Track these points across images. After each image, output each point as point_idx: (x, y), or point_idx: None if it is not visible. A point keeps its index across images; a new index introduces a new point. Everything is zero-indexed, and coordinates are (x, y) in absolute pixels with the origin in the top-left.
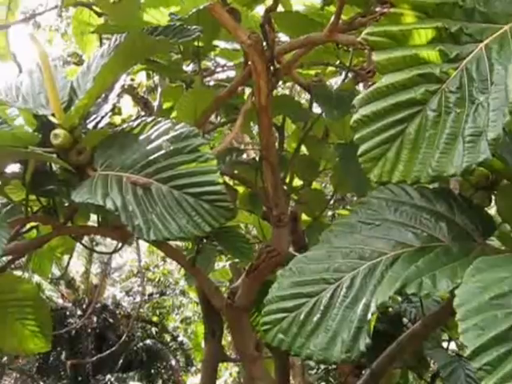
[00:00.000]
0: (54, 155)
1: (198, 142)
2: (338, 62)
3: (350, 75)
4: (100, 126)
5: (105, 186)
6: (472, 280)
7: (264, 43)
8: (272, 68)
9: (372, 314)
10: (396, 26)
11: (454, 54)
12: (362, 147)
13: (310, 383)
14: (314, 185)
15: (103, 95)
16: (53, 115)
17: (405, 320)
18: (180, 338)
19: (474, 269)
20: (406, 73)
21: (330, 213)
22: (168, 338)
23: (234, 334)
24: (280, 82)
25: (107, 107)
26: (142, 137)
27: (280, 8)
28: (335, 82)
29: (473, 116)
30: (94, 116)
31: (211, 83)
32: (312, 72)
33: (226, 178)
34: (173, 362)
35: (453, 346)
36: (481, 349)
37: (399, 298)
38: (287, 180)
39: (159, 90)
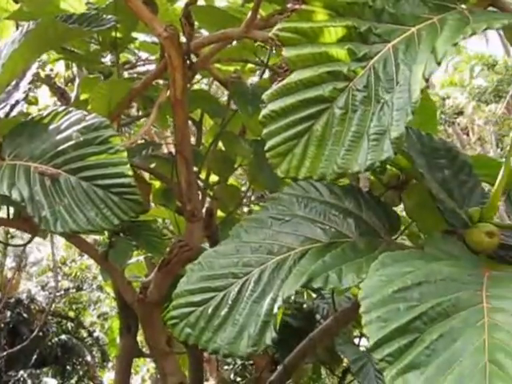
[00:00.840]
0: None
1: (108, 134)
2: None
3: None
4: (12, 114)
5: (12, 175)
6: (376, 274)
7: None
8: (188, 62)
9: (278, 308)
10: (306, 23)
11: (363, 53)
12: (270, 142)
13: (223, 378)
14: (233, 181)
15: (14, 83)
16: None
17: (319, 316)
18: (96, 334)
19: (379, 263)
20: (314, 70)
21: (246, 209)
22: (84, 333)
23: (146, 328)
24: (202, 78)
25: (18, 95)
26: (51, 126)
27: (202, 2)
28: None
29: (378, 115)
30: (4, 104)
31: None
32: (232, 68)
33: (146, 174)
34: (88, 358)
35: (364, 342)
36: (383, 340)
37: (313, 295)
38: (204, 175)
39: (77, 80)
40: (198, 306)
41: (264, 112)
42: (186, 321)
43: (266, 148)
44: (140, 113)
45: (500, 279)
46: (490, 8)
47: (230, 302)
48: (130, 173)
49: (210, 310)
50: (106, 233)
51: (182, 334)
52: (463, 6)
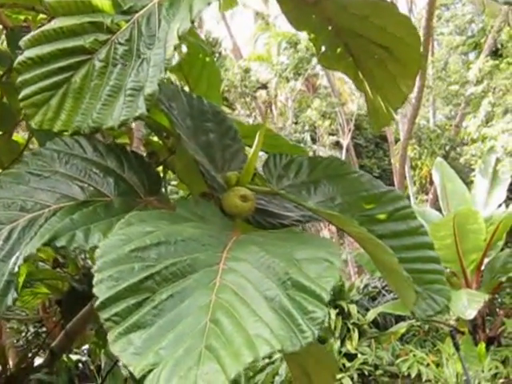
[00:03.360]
0: None
1: None
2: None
3: None
4: None
5: None
6: (118, 233)
7: None
8: None
9: (19, 267)
10: None
11: (128, 6)
12: (24, 91)
13: (2, 346)
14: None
15: None
16: None
17: None
18: None
19: (124, 223)
20: (77, 19)
21: None
22: None
23: None
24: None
25: None
26: None
27: None
28: None
29: (137, 70)
30: None
31: None
32: (23, 17)
33: None
34: None
35: None
36: (111, 300)
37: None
38: None
39: None
40: None
41: (20, 59)
42: None
43: (19, 97)
44: None
45: (244, 242)
46: None
47: None
48: None
49: None
50: None
51: None
52: None
